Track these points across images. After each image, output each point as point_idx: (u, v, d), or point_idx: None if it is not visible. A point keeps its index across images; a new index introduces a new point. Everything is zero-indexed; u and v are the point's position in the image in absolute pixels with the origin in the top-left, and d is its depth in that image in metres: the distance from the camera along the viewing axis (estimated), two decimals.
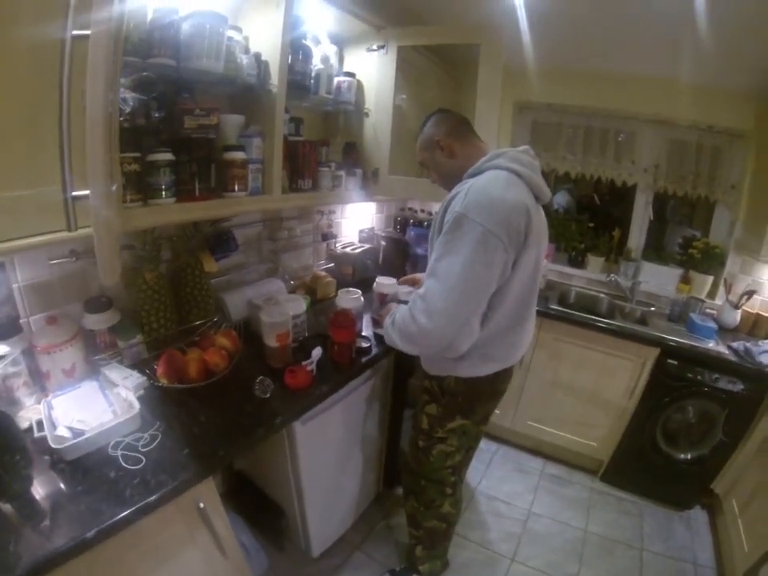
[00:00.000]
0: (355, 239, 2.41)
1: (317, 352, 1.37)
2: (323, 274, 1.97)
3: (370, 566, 1.76)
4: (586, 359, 2.15)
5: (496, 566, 1.81)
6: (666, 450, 2.07)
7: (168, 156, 1.14)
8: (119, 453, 0.97)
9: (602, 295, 2.52)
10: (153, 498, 0.87)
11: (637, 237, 2.55)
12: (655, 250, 2.54)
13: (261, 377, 1.27)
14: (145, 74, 1.12)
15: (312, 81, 1.59)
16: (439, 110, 1.31)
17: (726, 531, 1.89)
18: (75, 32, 0.69)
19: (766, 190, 1.97)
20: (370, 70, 1.81)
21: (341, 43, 1.80)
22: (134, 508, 0.84)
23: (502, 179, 1.07)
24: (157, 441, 1.02)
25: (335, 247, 2.23)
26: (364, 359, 1.51)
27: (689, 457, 2.04)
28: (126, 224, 1.00)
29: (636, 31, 1.80)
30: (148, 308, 1.26)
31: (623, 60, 2.10)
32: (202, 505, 1.00)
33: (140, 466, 0.94)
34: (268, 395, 1.24)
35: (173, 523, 0.98)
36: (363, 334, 1.64)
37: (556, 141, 2.56)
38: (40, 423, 0.98)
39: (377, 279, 1.76)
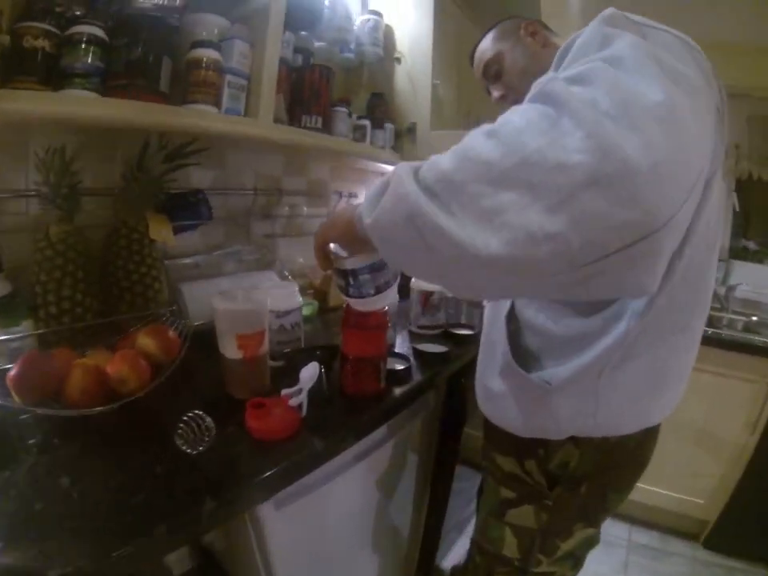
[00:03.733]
0: None
1: (309, 373, 0.74)
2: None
3: None
4: (692, 385, 1.59)
5: None
6: None
7: (95, 30, 0.71)
8: None
9: None
10: None
11: (721, 233, 2.06)
12: (744, 247, 2.05)
13: (194, 412, 0.64)
14: None
15: (326, 7, 1.20)
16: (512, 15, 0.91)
17: None
18: None
19: None
20: (402, 10, 1.46)
21: None
22: None
23: None
24: None
25: None
26: (398, 391, 0.87)
27: None
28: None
29: None
30: (46, 279, 0.73)
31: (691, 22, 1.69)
32: None
33: None
34: (200, 449, 0.61)
35: None
36: (396, 350, 1.03)
37: None
38: None
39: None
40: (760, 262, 1.98)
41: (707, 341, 1.48)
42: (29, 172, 0.82)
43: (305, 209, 1.46)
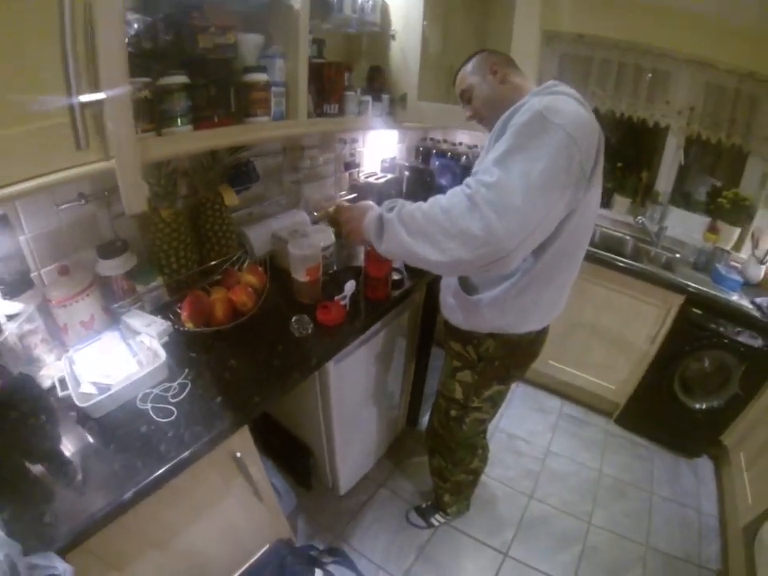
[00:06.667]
0: (377, 169, 2.28)
1: (350, 286, 1.32)
2: (347, 205, 1.87)
3: (395, 502, 1.81)
4: (612, 302, 2.12)
5: (515, 503, 1.87)
6: (681, 397, 2.07)
7: (182, 79, 1.01)
8: (149, 406, 0.92)
9: (627, 237, 2.44)
10: (189, 451, 0.83)
11: (665, 180, 2.42)
12: (682, 196, 2.42)
13: (297, 315, 1.23)
14: None
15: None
16: (486, 48, 1.19)
17: (731, 483, 1.91)
18: None
19: None
20: None
21: None
22: (170, 464, 0.80)
23: (572, 100, 0.90)
24: (187, 390, 0.97)
25: (358, 177, 2.12)
26: (397, 292, 1.45)
27: (703, 407, 2.05)
28: (141, 156, 0.90)
29: None
30: (167, 248, 1.19)
31: None
32: (239, 454, 0.97)
33: (172, 418, 0.90)
34: (309, 333, 1.20)
35: (209, 474, 0.95)
36: (393, 266, 1.49)
37: (585, 76, 2.36)
38: (63, 381, 0.92)
39: None
40: (693, 210, 2.35)
41: (629, 272, 1.97)
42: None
43: (320, 159, 1.86)
